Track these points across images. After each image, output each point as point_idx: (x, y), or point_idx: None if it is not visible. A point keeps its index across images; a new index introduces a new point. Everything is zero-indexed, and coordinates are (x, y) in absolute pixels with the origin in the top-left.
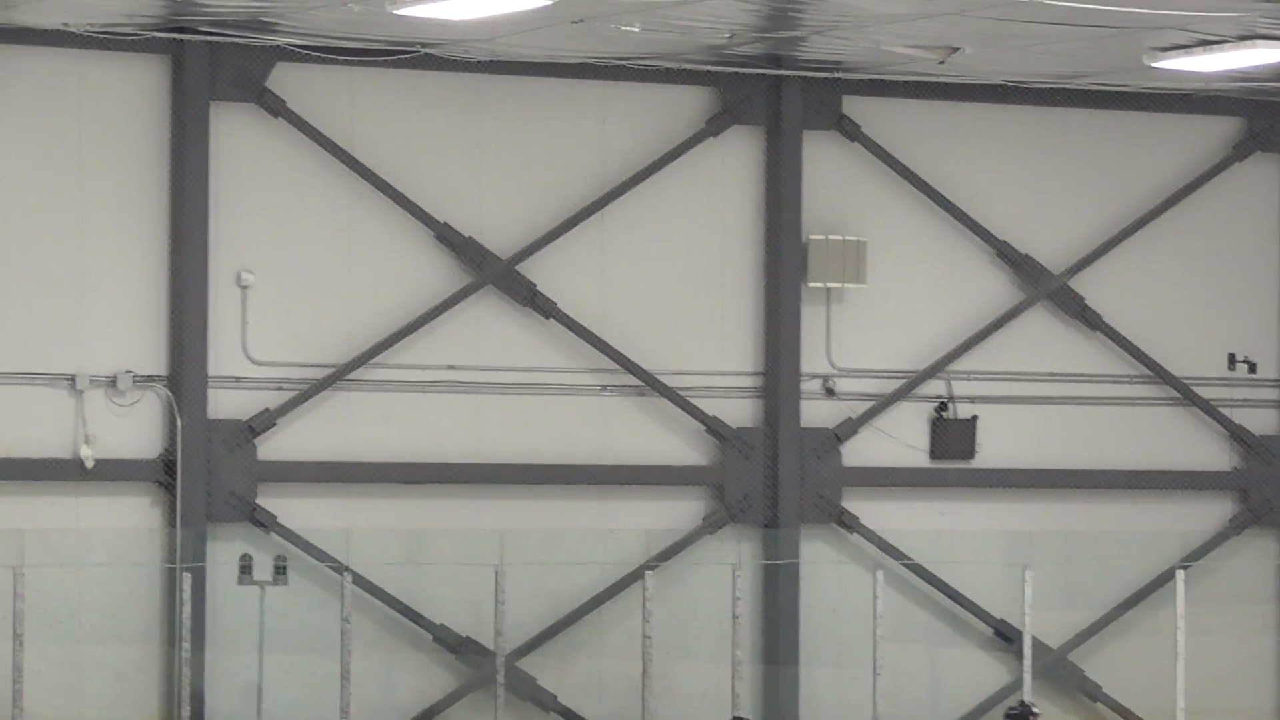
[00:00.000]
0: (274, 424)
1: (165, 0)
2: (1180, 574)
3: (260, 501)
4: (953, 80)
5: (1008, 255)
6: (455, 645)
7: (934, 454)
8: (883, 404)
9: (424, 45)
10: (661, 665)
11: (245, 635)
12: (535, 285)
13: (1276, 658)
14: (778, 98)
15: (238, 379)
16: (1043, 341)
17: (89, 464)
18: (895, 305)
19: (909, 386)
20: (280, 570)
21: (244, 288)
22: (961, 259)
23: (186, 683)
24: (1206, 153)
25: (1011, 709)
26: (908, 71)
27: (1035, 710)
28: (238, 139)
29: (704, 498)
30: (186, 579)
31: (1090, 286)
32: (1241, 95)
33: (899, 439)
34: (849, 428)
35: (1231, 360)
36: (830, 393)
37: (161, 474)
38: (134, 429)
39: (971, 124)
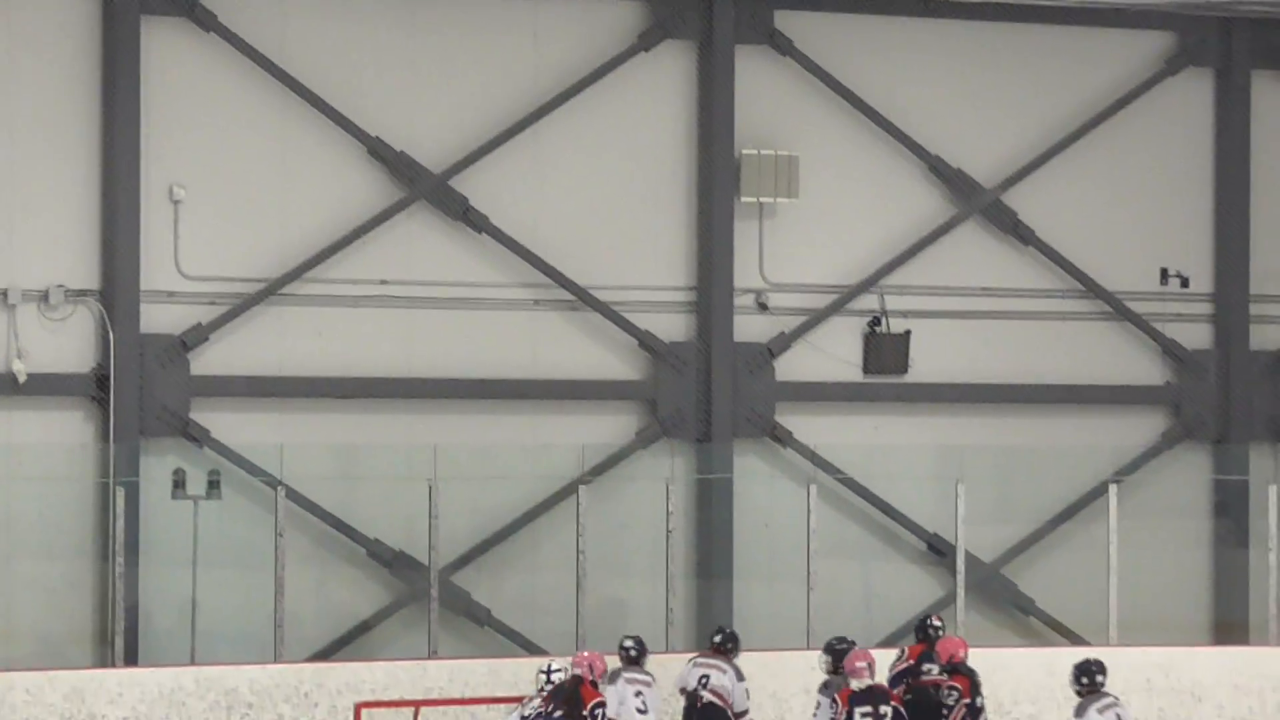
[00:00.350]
0: (206, 339)
1: None
2: (1113, 488)
3: (193, 416)
4: None
5: (940, 170)
6: (389, 560)
7: (867, 368)
8: (816, 319)
9: None
10: (595, 580)
11: (179, 550)
12: (468, 200)
13: (1209, 571)
14: (709, 12)
15: (170, 294)
16: (975, 256)
17: (21, 378)
18: (828, 220)
19: (842, 301)
20: (214, 485)
21: (176, 202)
22: (894, 174)
23: (120, 597)
24: (1139, 67)
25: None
26: None
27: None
28: (169, 53)
29: (637, 412)
30: (120, 494)
31: (1023, 201)
32: (1173, 9)
33: (832, 353)
34: (782, 342)
35: (1164, 275)
36: (763, 307)
37: (94, 389)
38: (66, 343)
39: (904, 39)
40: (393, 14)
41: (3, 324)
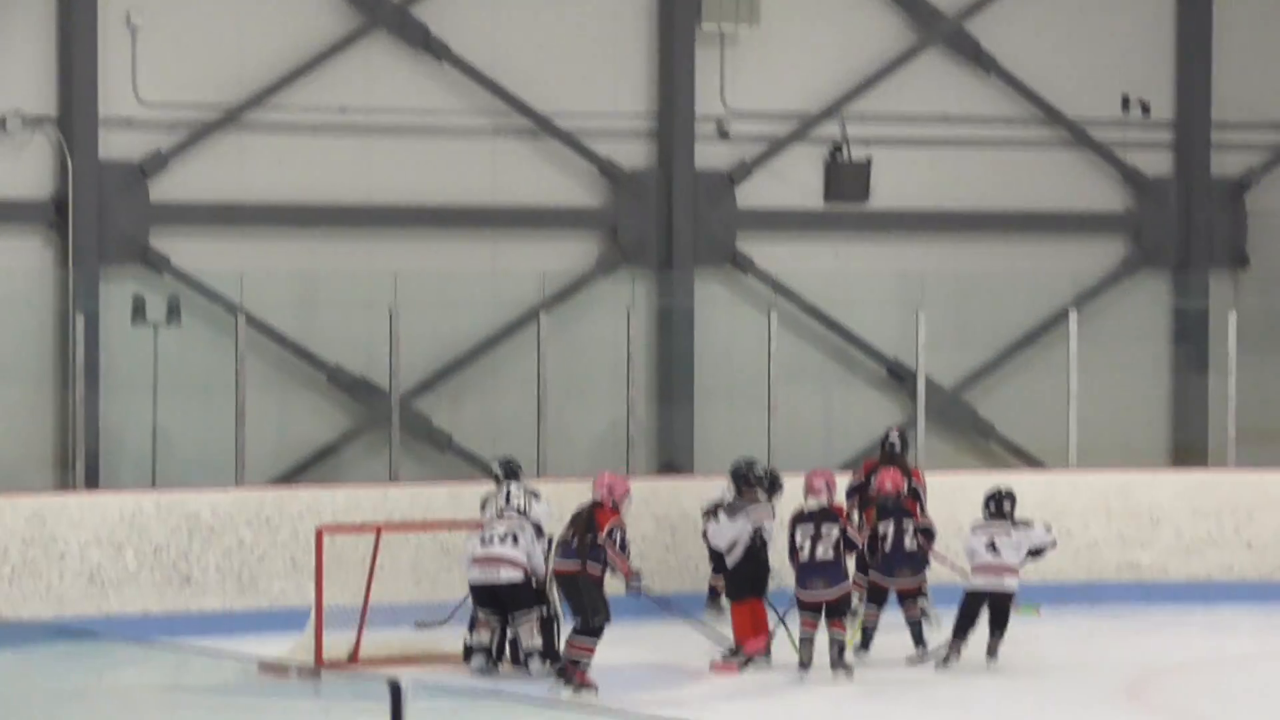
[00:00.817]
0: (166, 165)
1: None
2: (1073, 314)
3: (153, 243)
4: None
5: None
6: (349, 385)
7: (828, 196)
8: (777, 146)
9: None
10: (556, 406)
11: (139, 376)
12: (428, 27)
13: (1168, 396)
14: None
15: (129, 120)
16: (937, 84)
17: None
18: (789, 47)
19: (803, 128)
20: (173, 311)
21: (133, 28)
22: (856, 1)
23: (81, 424)
24: None
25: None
26: None
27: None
28: None
29: (597, 240)
30: (79, 320)
31: (985, 29)
32: None
33: (793, 181)
34: (743, 170)
35: (1125, 102)
36: (724, 135)
37: (53, 216)
38: (24, 170)
39: None
40: None
41: None
